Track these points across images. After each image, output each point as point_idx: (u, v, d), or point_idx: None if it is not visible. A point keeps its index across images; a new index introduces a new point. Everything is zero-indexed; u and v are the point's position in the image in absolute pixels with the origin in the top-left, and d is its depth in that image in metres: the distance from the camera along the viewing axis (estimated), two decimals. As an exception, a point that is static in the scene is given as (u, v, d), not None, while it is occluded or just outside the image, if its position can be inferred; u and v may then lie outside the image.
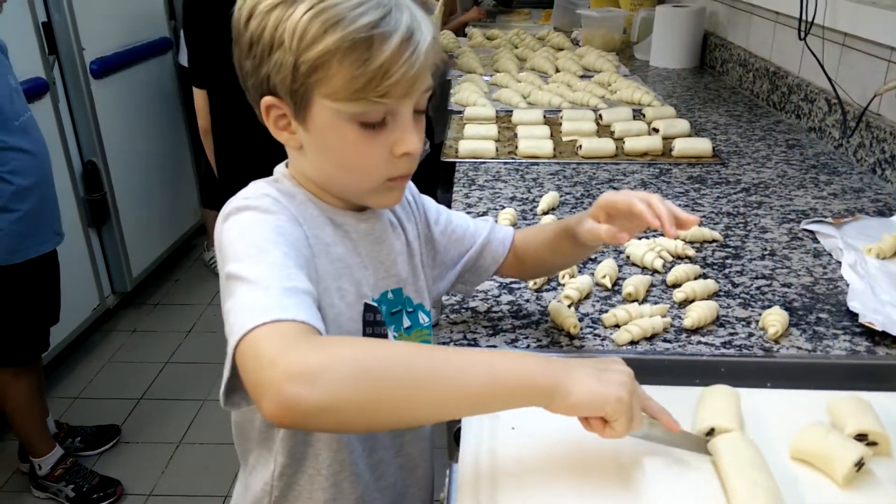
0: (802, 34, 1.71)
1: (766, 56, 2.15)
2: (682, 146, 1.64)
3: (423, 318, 0.86)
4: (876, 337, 0.94)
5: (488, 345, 0.95)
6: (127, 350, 2.77)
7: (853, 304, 1.00)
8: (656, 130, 1.76)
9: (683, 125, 1.78)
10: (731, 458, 0.59)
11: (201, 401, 2.45)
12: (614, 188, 1.47)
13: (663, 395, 0.68)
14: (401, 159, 0.71)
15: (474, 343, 0.95)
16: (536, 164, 1.62)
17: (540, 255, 0.93)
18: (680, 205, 1.36)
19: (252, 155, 1.44)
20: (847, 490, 0.60)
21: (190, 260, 3.47)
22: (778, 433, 0.68)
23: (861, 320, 0.96)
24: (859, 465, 0.59)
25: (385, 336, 0.80)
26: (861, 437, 0.63)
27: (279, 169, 0.79)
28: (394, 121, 0.69)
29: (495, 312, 1.02)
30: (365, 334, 0.76)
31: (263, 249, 0.64)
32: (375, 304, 0.78)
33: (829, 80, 1.64)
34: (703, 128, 1.88)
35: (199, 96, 2.11)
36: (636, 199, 0.78)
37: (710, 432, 0.67)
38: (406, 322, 0.83)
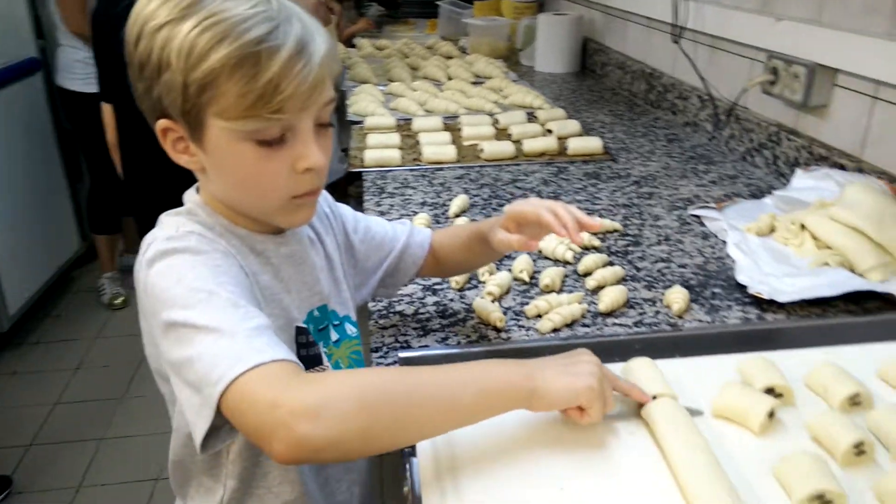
0: (676, 38, 1.86)
1: (642, 59, 2.31)
2: (575, 145, 1.74)
3: (351, 329, 0.88)
4: (763, 305, 1.06)
5: (420, 345, 0.98)
6: (9, 394, 2.58)
7: (741, 278, 1.11)
8: (550, 132, 1.86)
9: (574, 125, 1.89)
10: (665, 422, 0.66)
11: (98, 440, 2.33)
12: (518, 188, 1.54)
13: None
14: (304, 175, 0.69)
15: (406, 345, 0.98)
16: (441, 169, 1.67)
17: (457, 256, 0.97)
18: (581, 199, 1.47)
19: (159, 170, 1.40)
20: (763, 438, 0.68)
21: (71, 292, 3.27)
22: (696, 396, 0.75)
23: (750, 291, 1.07)
24: (771, 414, 0.68)
25: (318, 354, 0.81)
26: (769, 391, 0.71)
27: (191, 197, 0.76)
28: (293, 136, 0.68)
29: (422, 314, 1.06)
30: (299, 356, 0.77)
31: (211, 293, 0.63)
32: (305, 326, 0.80)
33: (701, 78, 1.79)
34: (592, 127, 2.00)
35: (107, 111, 2.11)
36: (543, 210, 0.81)
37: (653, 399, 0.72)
38: (334, 336, 0.85)
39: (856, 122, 1.36)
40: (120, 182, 2.12)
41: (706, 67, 1.84)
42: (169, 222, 0.73)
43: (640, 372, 0.75)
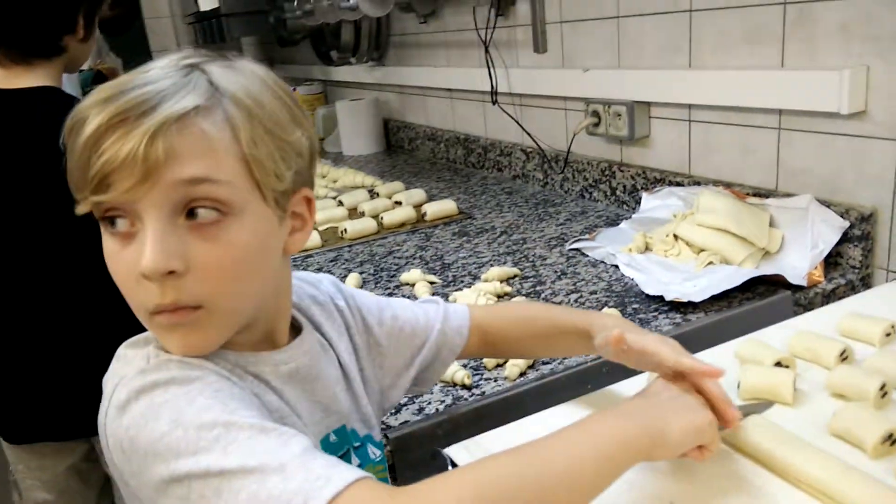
0: (493, 100, 2.01)
1: (451, 127, 2.45)
2: (432, 210, 1.77)
3: (374, 452, 0.74)
4: (681, 308, 1.14)
5: (399, 422, 0.91)
6: None
7: (650, 291, 1.20)
8: (399, 203, 1.88)
9: (420, 194, 1.93)
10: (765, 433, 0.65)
11: None
12: (396, 260, 1.52)
13: (580, 412, 0.75)
14: (147, 284, 0.53)
15: (384, 425, 0.90)
16: (311, 255, 1.60)
17: (523, 343, 0.84)
18: (465, 256, 1.49)
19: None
20: (796, 407, 0.73)
21: None
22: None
23: (667, 298, 1.15)
24: (794, 385, 0.73)
25: None
26: (777, 364, 0.77)
27: None
28: (139, 230, 0.53)
29: (380, 393, 0.98)
30: None
31: (228, 424, 0.50)
32: None
33: (528, 133, 1.95)
34: (431, 194, 2.05)
35: None
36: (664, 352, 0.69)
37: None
38: (355, 461, 0.71)
39: (677, 144, 1.56)
40: None
41: (524, 123, 2.00)
42: (133, 355, 0.58)
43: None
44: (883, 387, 0.69)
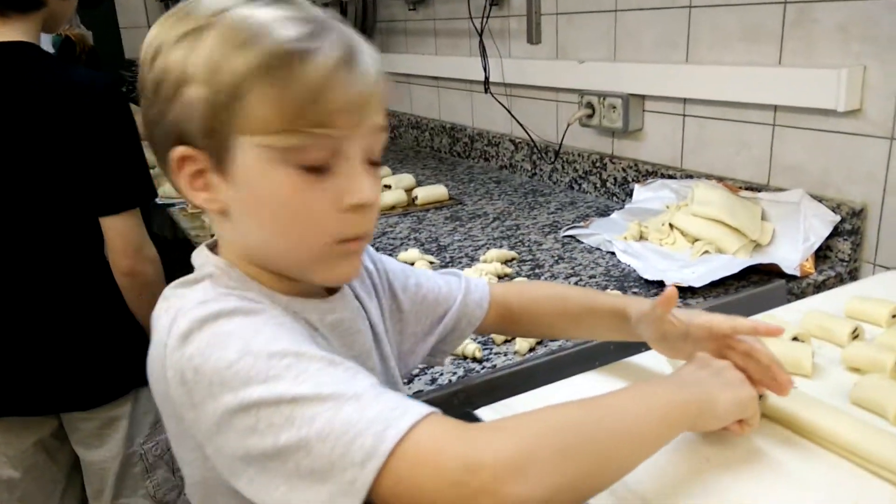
0: (486, 89, 2.01)
1: (436, 116, 2.45)
2: (423, 194, 1.77)
3: None
4: (679, 293, 1.16)
5: (414, 391, 0.91)
6: None
7: (648, 276, 1.22)
8: (389, 187, 1.87)
9: (409, 178, 1.92)
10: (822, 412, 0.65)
11: None
12: (390, 241, 1.52)
13: (592, 383, 0.76)
14: (352, 215, 0.57)
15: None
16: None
17: (545, 325, 0.84)
18: (460, 239, 1.50)
19: None
20: (814, 380, 0.75)
21: None
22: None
23: (668, 283, 1.17)
24: (812, 356, 0.75)
25: None
26: (794, 339, 0.79)
27: (208, 259, 0.60)
28: (340, 165, 0.56)
29: (389, 364, 0.98)
30: None
31: (299, 354, 0.50)
32: None
33: (520, 123, 1.96)
34: (419, 180, 2.05)
35: None
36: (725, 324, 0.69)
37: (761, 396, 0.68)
38: None
39: (671, 138, 1.59)
40: None
41: (515, 114, 2.02)
42: (186, 292, 0.57)
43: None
44: (897, 361, 0.72)
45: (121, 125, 1.12)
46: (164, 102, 0.55)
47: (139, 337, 1.15)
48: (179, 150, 0.56)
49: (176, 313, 0.54)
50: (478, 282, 0.83)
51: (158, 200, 1.89)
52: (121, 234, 1.14)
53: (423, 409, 0.48)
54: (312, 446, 0.46)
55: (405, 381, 0.92)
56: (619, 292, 0.82)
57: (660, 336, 0.72)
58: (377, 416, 0.47)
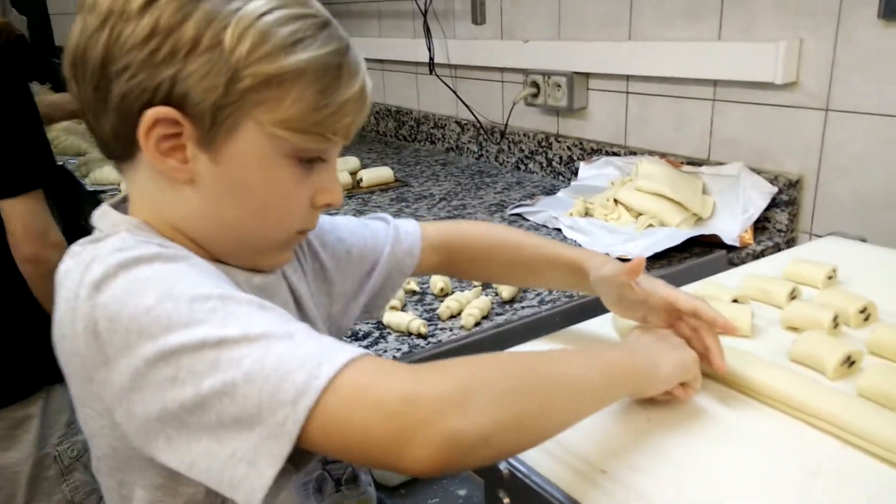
0: (430, 70, 1.99)
1: (381, 100, 2.42)
2: (368, 176, 1.74)
3: None
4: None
5: (357, 368, 0.88)
6: None
7: (595, 249, 1.22)
8: (333, 169, 1.83)
9: (354, 161, 1.89)
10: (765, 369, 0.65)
11: None
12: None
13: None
14: (316, 211, 0.59)
15: (340, 372, 0.87)
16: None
17: (494, 271, 0.82)
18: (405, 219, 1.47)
19: None
20: (754, 339, 0.76)
21: None
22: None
23: (614, 255, 1.17)
24: (752, 317, 0.75)
25: None
26: (735, 301, 0.80)
27: (117, 217, 0.57)
28: (322, 164, 0.58)
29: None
30: None
31: (224, 297, 0.47)
32: None
33: (465, 105, 1.94)
34: (364, 164, 2.02)
35: None
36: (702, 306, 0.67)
37: None
38: None
39: (615, 115, 1.59)
40: None
41: (461, 95, 2.00)
42: (103, 243, 0.53)
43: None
44: (835, 318, 0.73)
45: (16, 103, 1.06)
46: (160, 56, 0.50)
47: (47, 329, 1.09)
48: (160, 111, 0.51)
49: (90, 262, 0.50)
50: (408, 226, 0.80)
51: (89, 187, 1.81)
52: (22, 217, 1.07)
53: (359, 349, 0.46)
54: (239, 390, 0.44)
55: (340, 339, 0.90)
56: (576, 247, 0.80)
57: (617, 298, 0.72)
58: (310, 352, 0.44)
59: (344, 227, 0.76)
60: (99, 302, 0.48)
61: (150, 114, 0.51)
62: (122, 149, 0.55)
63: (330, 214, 0.75)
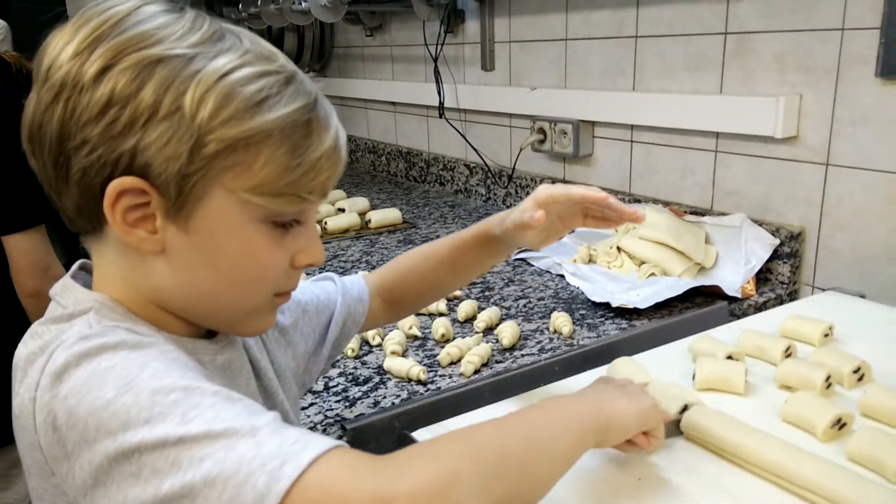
0: (441, 114, 2.03)
1: (392, 141, 2.46)
2: (377, 218, 1.77)
3: None
4: (625, 314, 1.18)
5: (355, 415, 0.89)
6: None
7: (596, 298, 1.23)
8: (343, 210, 1.86)
9: (364, 202, 1.92)
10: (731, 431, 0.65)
11: None
12: (341, 264, 1.51)
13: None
14: (297, 272, 0.58)
15: (340, 417, 0.88)
16: (253, 256, 1.56)
17: (429, 282, 0.83)
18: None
19: None
20: (747, 397, 0.77)
21: None
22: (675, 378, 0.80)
23: (614, 304, 1.18)
24: (745, 376, 0.76)
25: None
26: (729, 357, 0.80)
27: (82, 293, 0.54)
28: (300, 224, 0.56)
29: (335, 387, 0.97)
30: None
31: (188, 389, 0.45)
32: None
33: (474, 148, 1.98)
34: (374, 205, 2.05)
35: None
36: (574, 188, 0.73)
37: (684, 409, 0.70)
38: None
39: (620, 163, 1.62)
40: None
41: (470, 139, 2.03)
42: (67, 326, 0.51)
43: (626, 369, 0.78)
44: (828, 378, 0.74)
45: (20, 139, 1.10)
46: (119, 126, 0.48)
47: None
48: (125, 181, 0.49)
49: (54, 349, 0.48)
50: (353, 278, 0.82)
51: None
52: (25, 253, 1.10)
53: (327, 441, 0.43)
54: (198, 492, 0.41)
55: (348, 404, 0.91)
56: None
57: (533, 237, 0.74)
58: (274, 451, 0.41)
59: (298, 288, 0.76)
60: (59, 394, 0.45)
61: (114, 185, 0.49)
62: (87, 224, 0.53)
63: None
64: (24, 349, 0.51)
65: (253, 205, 0.51)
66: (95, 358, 0.46)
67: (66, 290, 0.55)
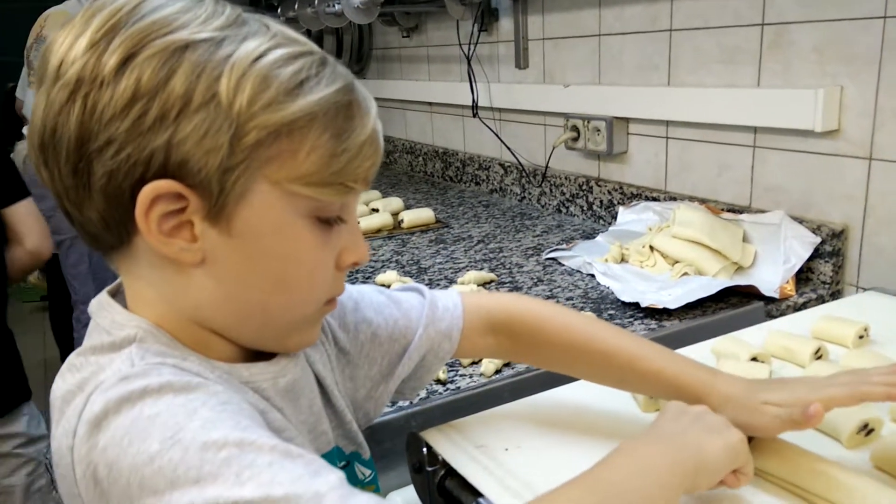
0: (475, 113, 2.02)
1: (429, 141, 2.46)
2: (409, 218, 1.77)
3: (363, 472, 0.65)
4: (656, 315, 1.15)
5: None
6: None
7: (626, 298, 1.20)
8: (377, 210, 1.87)
9: (398, 202, 1.93)
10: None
11: None
12: (372, 264, 1.51)
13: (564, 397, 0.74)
14: (342, 273, 0.54)
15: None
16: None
17: (577, 370, 0.72)
18: (441, 262, 1.49)
19: None
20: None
21: None
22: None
23: (643, 305, 1.15)
24: (770, 377, 0.73)
25: None
26: (753, 360, 0.78)
27: (122, 315, 0.50)
28: (343, 222, 0.52)
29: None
30: None
31: (242, 443, 0.40)
32: None
33: (508, 147, 1.96)
34: (408, 205, 2.05)
35: None
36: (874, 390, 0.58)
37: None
38: None
39: (655, 160, 1.58)
40: None
41: (504, 138, 2.02)
42: (108, 362, 0.47)
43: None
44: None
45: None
46: (147, 122, 0.44)
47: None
48: (160, 185, 0.45)
49: (92, 390, 0.44)
50: (447, 301, 0.69)
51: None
52: (32, 214, 1.27)
53: None
54: None
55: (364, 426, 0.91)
56: (699, 363, 0.67)
57: (748, 421, 0.60)
58: None
59: (369, 305, 0.67)
60: (98, 445, 0.42)
61: (149, 190, 0.45)
62: (114, 237, 0.48)
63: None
64: (63, 384, 0.48)
65: (299, 198, 0.48)
66: (138, 404, 0.42)
67: (102, 309, 0.51)
